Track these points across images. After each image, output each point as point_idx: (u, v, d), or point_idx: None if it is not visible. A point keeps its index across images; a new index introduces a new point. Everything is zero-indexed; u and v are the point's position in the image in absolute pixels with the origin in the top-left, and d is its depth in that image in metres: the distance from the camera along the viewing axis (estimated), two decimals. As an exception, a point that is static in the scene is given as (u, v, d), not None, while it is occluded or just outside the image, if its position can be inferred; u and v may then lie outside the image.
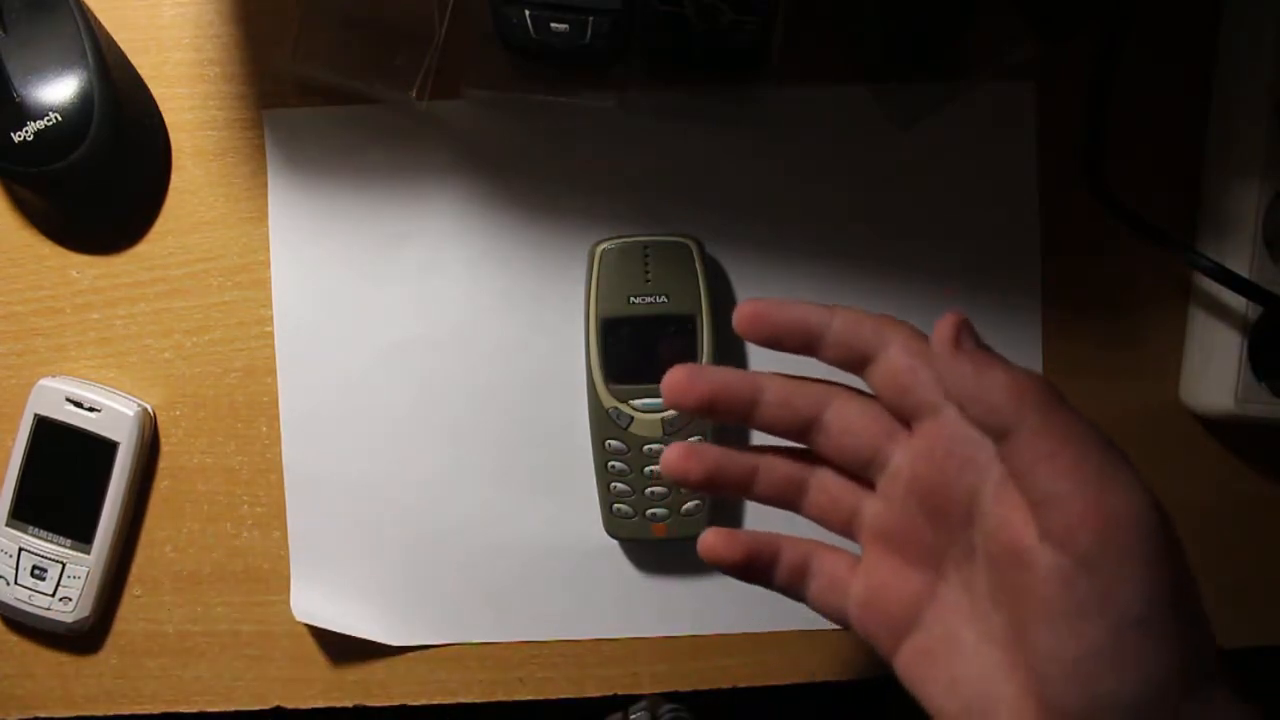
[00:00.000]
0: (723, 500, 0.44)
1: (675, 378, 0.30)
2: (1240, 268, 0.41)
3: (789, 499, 0.31)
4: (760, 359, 0.44)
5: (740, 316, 0.29)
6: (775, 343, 0.29)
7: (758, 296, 0.31)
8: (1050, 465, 0.23)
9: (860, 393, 0.30)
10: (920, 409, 0.28)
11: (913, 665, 0.28)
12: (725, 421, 0.31)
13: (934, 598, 0.28)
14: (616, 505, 0.43)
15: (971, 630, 0.27)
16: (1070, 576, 0.23)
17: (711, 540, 0.31)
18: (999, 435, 0.25)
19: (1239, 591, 0.45)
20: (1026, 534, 0.24)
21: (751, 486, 0.31)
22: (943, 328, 0.26)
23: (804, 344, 0.29)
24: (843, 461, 0.30)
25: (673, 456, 0.30)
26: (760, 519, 0.45)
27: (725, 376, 0.30)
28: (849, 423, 0.29)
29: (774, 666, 0.46)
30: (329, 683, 0.46)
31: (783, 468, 0.31)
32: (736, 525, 0.45)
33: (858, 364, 0.28)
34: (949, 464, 0.27)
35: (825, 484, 0.31)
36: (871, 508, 0.30)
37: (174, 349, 0.45)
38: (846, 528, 0.31)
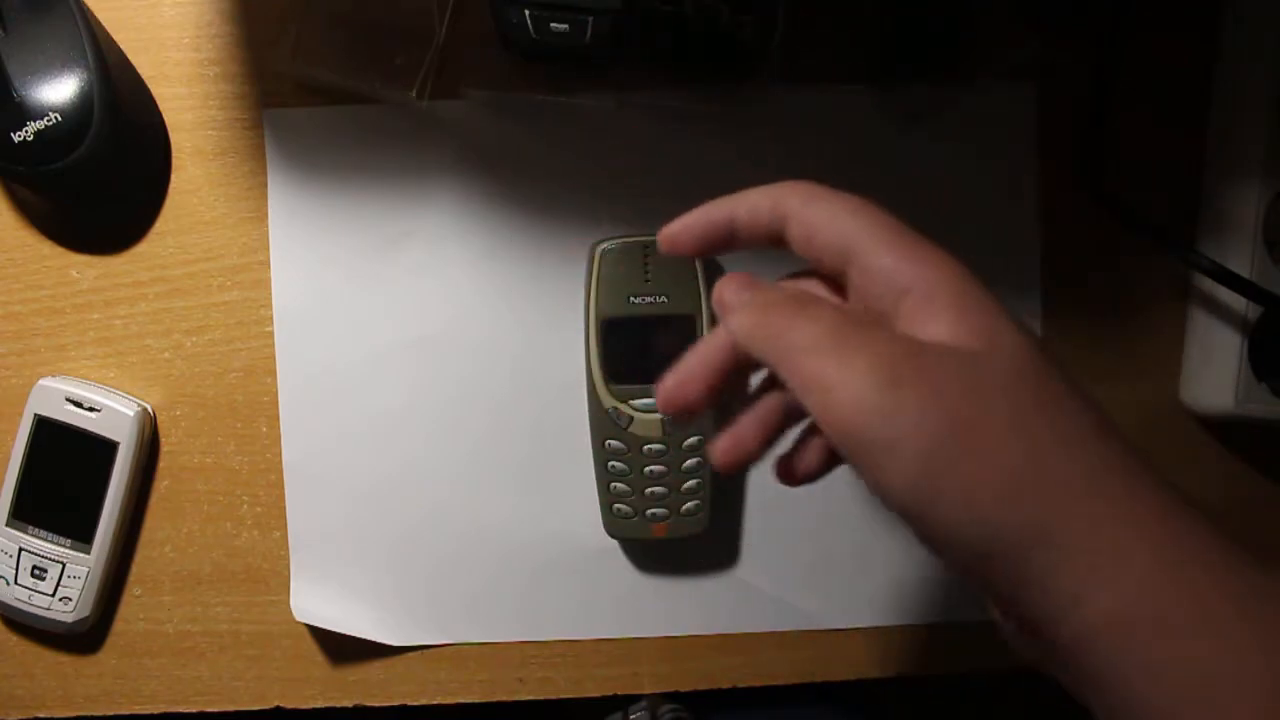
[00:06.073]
0: (722, 504, 0.44)
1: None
2: (1240, 268, 0.41)
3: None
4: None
5: (662, 244, 0.29)
6: (701, 252, 0.30)
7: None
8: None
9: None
10: (835, 268, 0.28)
11: None
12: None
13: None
14: (616, 505, 0.43)
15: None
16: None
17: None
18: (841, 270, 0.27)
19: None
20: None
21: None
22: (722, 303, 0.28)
23: (725, 243, 0.29)
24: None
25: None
26: (760, 516, 0.45)
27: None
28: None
29: (774, 666, 0.46)
30: (329, 683, 0.46)
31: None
32: (737, 526, 0.45)
33: (777, 241, 0.29)
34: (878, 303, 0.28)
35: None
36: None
37: (174, 349, 0.45)
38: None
